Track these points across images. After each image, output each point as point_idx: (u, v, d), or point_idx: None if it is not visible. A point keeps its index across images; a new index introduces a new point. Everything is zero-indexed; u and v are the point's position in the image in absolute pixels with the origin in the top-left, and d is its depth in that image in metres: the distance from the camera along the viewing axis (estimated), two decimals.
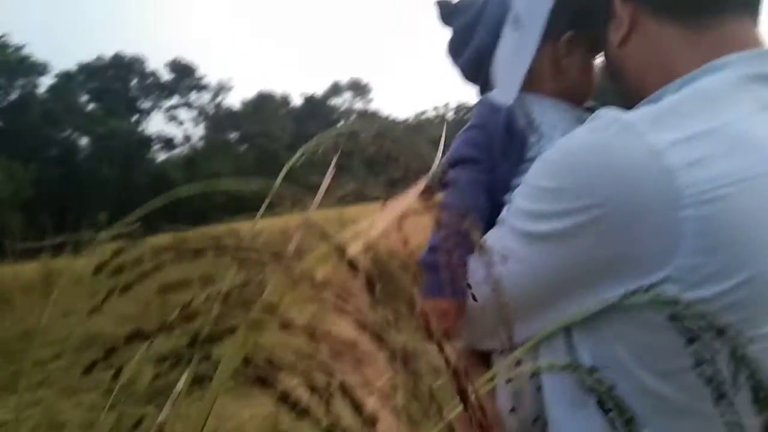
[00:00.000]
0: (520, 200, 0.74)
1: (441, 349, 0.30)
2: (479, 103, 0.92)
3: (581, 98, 0.94)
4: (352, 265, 0.28)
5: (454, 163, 0.86)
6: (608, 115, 0.69)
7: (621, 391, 0.67)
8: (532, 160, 0.76)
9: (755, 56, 0.69)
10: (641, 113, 0.68)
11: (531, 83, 0.89)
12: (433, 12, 0.98)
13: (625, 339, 0.67)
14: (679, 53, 0.73)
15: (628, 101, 0.82)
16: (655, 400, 0.65)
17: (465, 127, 0.90)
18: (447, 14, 0.98)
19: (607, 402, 0.49)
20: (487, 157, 0.85)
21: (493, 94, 0.89)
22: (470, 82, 0.97)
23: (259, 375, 0.34)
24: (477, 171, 0.84)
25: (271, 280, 0.28)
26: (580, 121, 0.86)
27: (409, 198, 0.35)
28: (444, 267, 0.45)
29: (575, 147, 0.69)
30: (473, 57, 0.94)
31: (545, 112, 0.88)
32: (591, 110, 0.94)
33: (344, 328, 0.29)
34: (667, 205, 0.60)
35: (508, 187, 0.81)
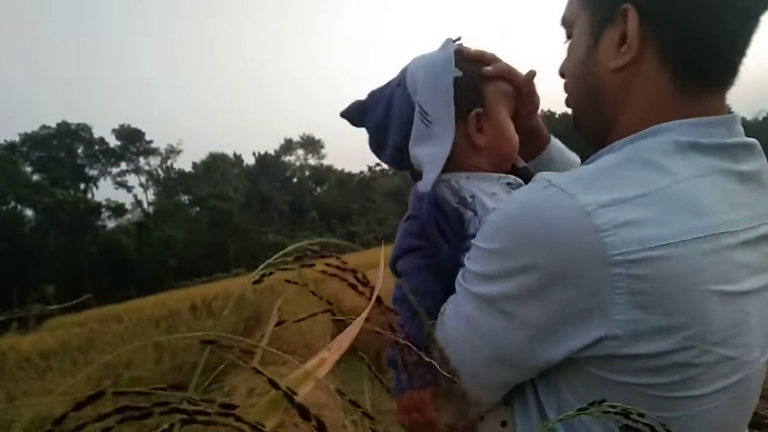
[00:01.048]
0: (469, 263, 0.78)
1: None
2: (411, 193, 0.96)
3: (507, 159, 0.98)
4: (303, 412, 0.28)
5: (399, 256, 0.90)
6: (544, 177, 0.71)
7: None
8: (474, 235, 0.80)
9: (696, 125, 0.72)
10: (575, 175, 0.70)
11: (455, 164, 0.94)
12: (349, 109, 1.03)
13: (581, 395, 0.69)
14: (662, 106, 0.75)
15: (589, 128, 0.85)
16: None
17: (403, 218, 0.94)
18: (357, 116, 1.03)
19: None
20: (426, 243, 0.88)
21: (418, 184, 0.93)
22: (399, 170, 1.02)
23: None
24: (420, 257, 0.88)
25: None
26: (512, 185, 0.93)
27: (352, 333, 0.34)
28: (406, 361, 0.46)
29: (514, 209, 0.72)
30: (393, 153, 0.99)
31: (476, 186, 0.92)
32: (521, 171, 1.00)
33: None
34: (598, 264, 0.63)
35: (457, 265, 0.84)
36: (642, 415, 0.46)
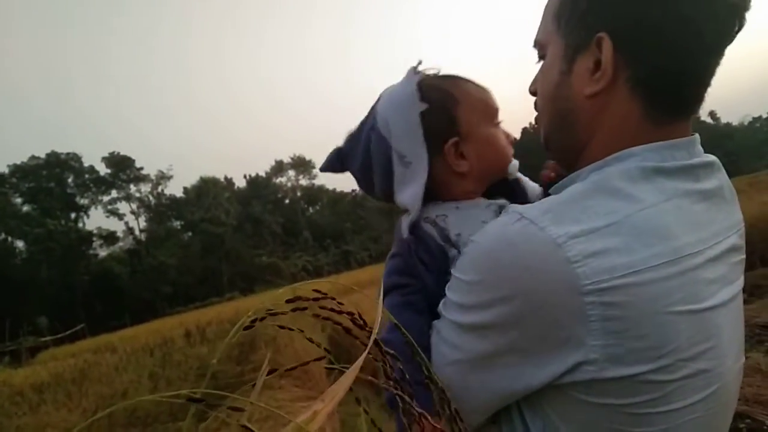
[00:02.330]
0: (449, 293, 0.80)
1: None
2: (395, 230, 0.96)
3: (500, 171, 0.99)
4: None
5: (385, 293, 0.90)
6: (516, 210, 0.74)
7: None
8: None
9: (659, 149, 0.74)
10: (545, 207, 0.72)
11: (444, 194, 0.94)
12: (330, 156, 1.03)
13: (565, 418, 0.72)
14: (631, 131, 0.77)
15: (559, 148, 0.87)
16: None
17: (389, 255, 0.95)
18: (338, 163, 1.03)
19: None
20: (411, 280, 0.88)
21: (402, 223, 0.94)
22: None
23: None
24: (405, 294, 0.88)
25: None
26: (496, 208, 0.93)
27: (346, 383, 0.35)
28: (402, 402, 0.46)
29: (488, 243, 0.75)
30: (382, 194, 0.99)
31: (466, 218, 0.92)
32: (512, 184, 1.00)
33: None
34: (571, 293, 0.65)
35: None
36: None
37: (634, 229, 0.67)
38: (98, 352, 16.59)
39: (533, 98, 0.91)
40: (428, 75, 0.97)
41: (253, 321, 0.39)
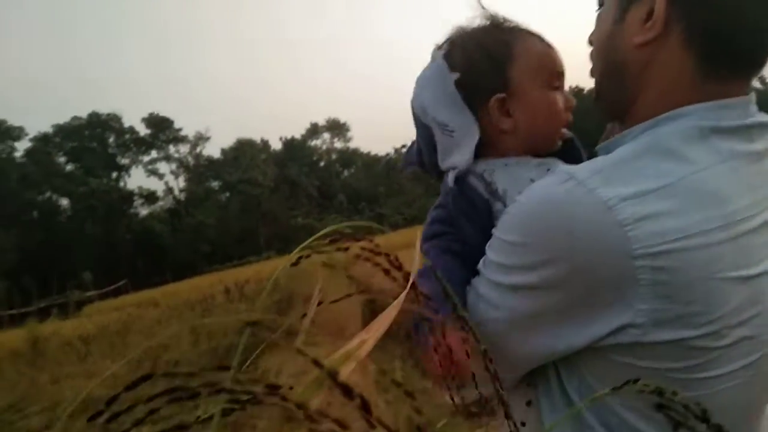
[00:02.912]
0: (490, 252, 0.79)
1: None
2: (442, 184, 0.96)
3: (549, 137, 0.94)
4: (347, 392, 0.28)
5: (424, 240, 0.90)
6: (563, 170, 0.73)
7: (605, 426, 0.72)
8: None
9: (715, 108, 0.72)
10: (595, 168, 0.71)
11: (491, 150, 0.92)
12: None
13: (603, 379, 0.72)
14: (683, 87, 0.74)
15: (609, 101, 0.84)
16: None
17: (432, 207, 0.95)
18: (414, 162, 1.04)
19: None
20: (451, 230, 0.89)
21: (445, 178, 0.93)
22: None
23: None
24: (445, 241, 0.88)
25: (268, 414, 0.28)
26: (546, 168, 0.89)
27: (390, 315, 0.35)
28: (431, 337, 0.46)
29: (534, 203, 0.73)
30: (432, 169, 0.99)
31: (513, 175, 0.90)
32: (566, 144, 0.97)
33: None
34: (621, 257, 0.64)
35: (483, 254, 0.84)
36: (675, 394, 0.47)
37: (688, 192, 0.66)
38: (141, 307, 17.25)
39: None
40: (489, 24, 0.94)
41: (298, 260, 0.39)
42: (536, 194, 0.74)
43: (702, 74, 0.73)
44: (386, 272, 0.44)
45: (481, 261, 0.80)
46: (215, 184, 69.50)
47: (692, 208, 0.65)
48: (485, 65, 0.91)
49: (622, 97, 0.81)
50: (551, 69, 0.93)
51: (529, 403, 0.81)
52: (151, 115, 67.93)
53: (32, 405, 7.18)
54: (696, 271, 0.64)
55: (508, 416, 0.49)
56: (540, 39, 0.94)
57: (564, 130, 0.96)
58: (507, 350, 0.76)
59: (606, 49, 0.82)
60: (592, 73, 0.87)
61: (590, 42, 0.87)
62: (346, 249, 0.41)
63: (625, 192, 0.66)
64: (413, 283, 0.41)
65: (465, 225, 0.86)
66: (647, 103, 0.77)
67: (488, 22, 0.94)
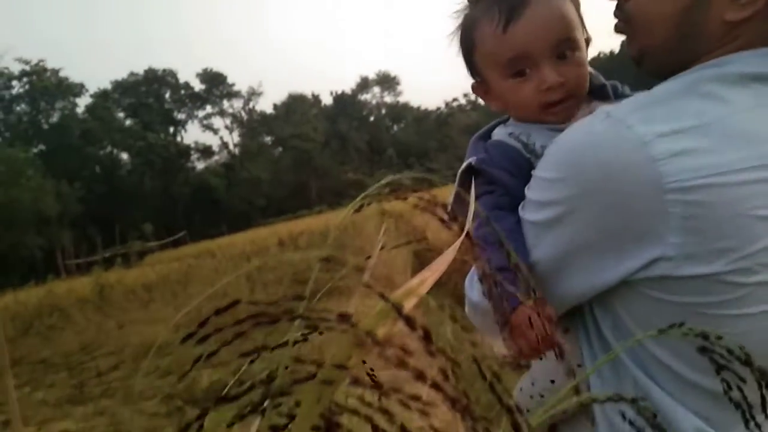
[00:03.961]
0: (528, 192, 0.80)
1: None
2: (472, 144, 0.96)
3: (528, 116, 0.91)
4: (410, 323, 0.30)
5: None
6: (602, 110, 0.73)
7: (637, 364, 0.74)
8: None
9: (759, 55, 0.71)
10: (634, 106, 0.71)
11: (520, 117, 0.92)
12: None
13: (634, 314, 0.73)
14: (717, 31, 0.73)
15: (661, 66, 0.80)
16: (668, 372, 0.72)
17: (462, 168, 0.92)
18: None
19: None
20: (497, 187, 0.86)
21: (477, 136, 0.97)
22: None
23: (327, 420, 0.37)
24: (493, 198, 0.85)
25: (339, 339, 0.31)
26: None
27: (447, 258, 0.36)
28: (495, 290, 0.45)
29: (572, 141, 0.74)
30: None
31: (543, 132, 0.88)
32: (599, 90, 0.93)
33: (407, 382, 0.31)
34: (652, 191, 0.65)
35: None
36: (720, 338, 0.48)
37: (724, 132, 0.66)
38: (199, 257, 17.91)
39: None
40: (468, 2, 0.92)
41: (360, 207, 0.41)
42: (575, 133, 0.75)
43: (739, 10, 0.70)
44: (442, 222, 0.45)
45: (521, 205, 0.81)
46: (268, 139, 70.54)
47: (728, 147, 0.65)
48: (462, 50, 0.94)
49: (681, 64, 0.76)
50: (507, 57, 0.86)
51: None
52: (205, 70, 69.01)
53: (100, 348, 7.63)
54: (728, 207, 0.64)
55: (560, 355, 0.50)
56: (494, 24, 0.86)
57: (556, 108, 0.88)
58: (545, 291, 0.78)
59: (679, 22, 0.76)
60: (633, 39, 0.82)
61: (621, 5, 0.81)
62: (405, 199, 0.43)
63: (661, 129, 0.66)
64: (468, 233, 0.41)
65: (509, 180, 0.85)
66: (685, 48, 0.75)
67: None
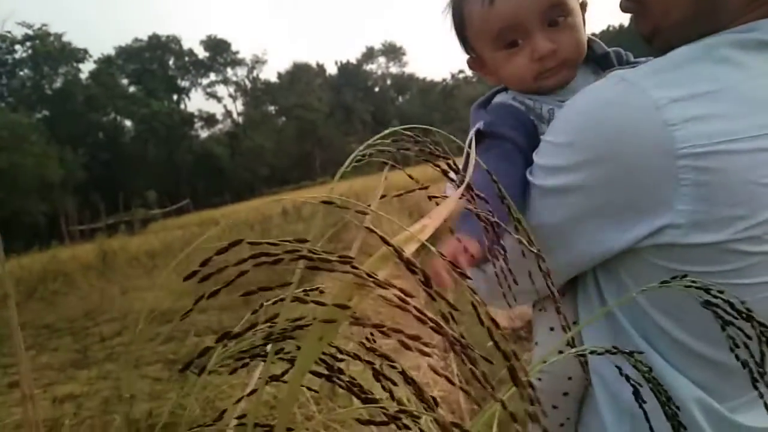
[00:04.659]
0: (537, 157, 0.78)
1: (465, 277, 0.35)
2: (474, 111, 0.95)
3: (523, 88, 0.90)
4: (411, 266, 0.31)
5: (482, 154, 0.84)
6: (615, 73, 0.72)
7: (639, 333, 0.75)
8: None
9: None
10: (648, 70, 0.70)
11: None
12: None
13: (639, 282, 0.72)
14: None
15: (673, 39, 0.77)
16: (670, 341, 0.72)
17: (473, 130, 0.89)
18: None
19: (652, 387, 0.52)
20: (503, 136, 0.84)
21: (479, 102, 0.96)
22: None
23: (328, 366, 0.38)
24: (502, 150, 0.83)
25: (341, 280, 0.31)
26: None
27: (449, 206, 0.36)
28: (477, 220, 0.45)
29: (584, 104, 0.73)
30: None
31: (550, 97, 0.87)
32: (601, 58, 0.92)
33: (407, 322, 0.32)
34: (664, 156, 0.64)
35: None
36: (721, 292, 0.48)
37: (739, 98, 0.65)
38: (203, 225, 17.93)
39: None
40: None
41: (363, 157, 0.41)
42: (586, 96, 0.73)
43: None
44: (444, 173, 0.45)
45: (528, 170, 0.80)
46: (272, 108, 70.06)
47: (742, 113, 0.64)
48: (454, 26, 0.93)
49: (692, 37, 0.73)
50: (496, 28, 0.85)
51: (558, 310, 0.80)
52: (209, 37, 68.20)
53: (104, 314, 7.70)
54: (740, 175, 0.63)
55: (558, 311, 0.51)
56: None
57: (550, 79, 0.87)
58: (551, 257, 0.74)
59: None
60: (644, 15, 0.79)
61: None
62: (407, 149, 0.43)
63: (676, 93, 0.65)
64: (469, 185, 0.41)
65: (517, 136, 0.82)
66: (701, 20, 0.73)
67: None
